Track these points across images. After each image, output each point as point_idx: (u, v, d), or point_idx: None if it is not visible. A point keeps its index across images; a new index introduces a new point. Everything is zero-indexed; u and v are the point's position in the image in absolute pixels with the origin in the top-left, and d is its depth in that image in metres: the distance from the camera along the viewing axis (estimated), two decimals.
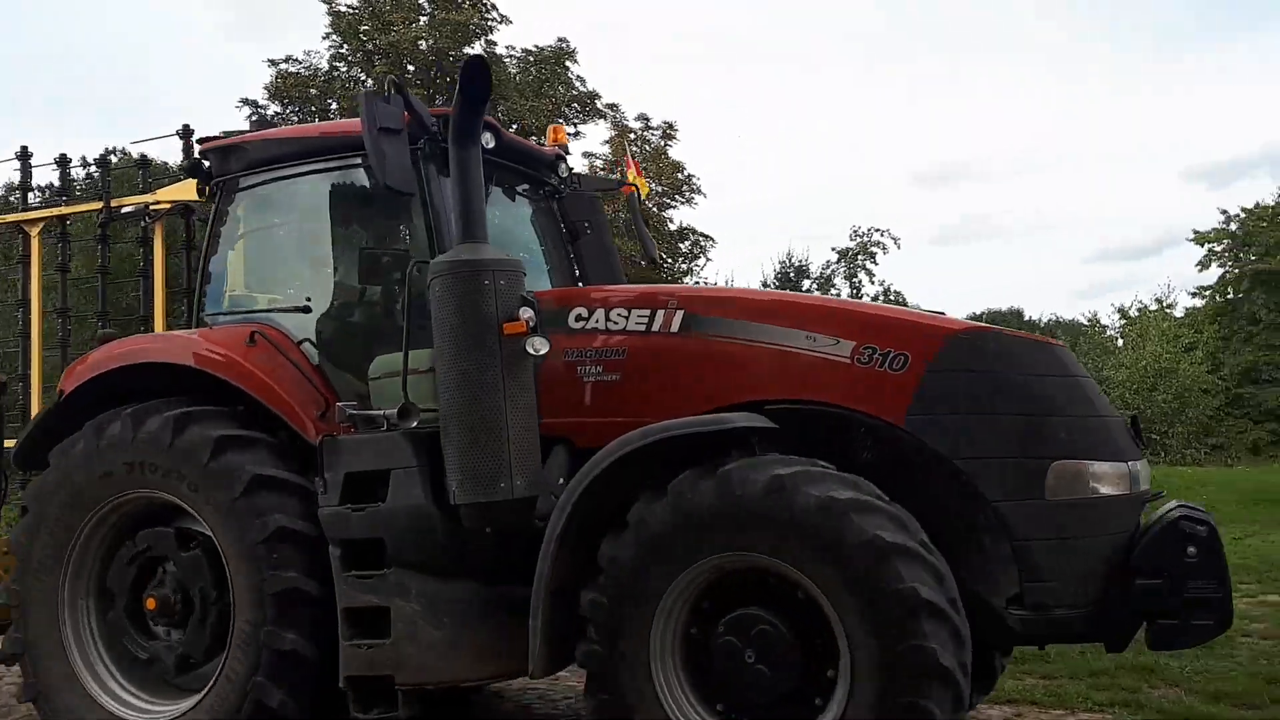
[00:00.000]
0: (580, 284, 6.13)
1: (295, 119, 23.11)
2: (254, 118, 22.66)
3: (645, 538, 4.05)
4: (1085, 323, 42.98)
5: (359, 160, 5.18)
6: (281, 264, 5.72)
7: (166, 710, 4.90)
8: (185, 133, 8.95)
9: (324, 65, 24.49)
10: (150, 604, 5.01)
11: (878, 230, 32.32)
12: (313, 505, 4.70)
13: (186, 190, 8.21)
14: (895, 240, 32.47)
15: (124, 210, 8.84)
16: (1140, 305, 37.93)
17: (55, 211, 9.08)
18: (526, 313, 4.41)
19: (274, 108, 23.92)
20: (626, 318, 4.84)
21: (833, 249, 35.00)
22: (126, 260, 11.11)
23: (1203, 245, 40.46)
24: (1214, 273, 40.38)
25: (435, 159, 5.04)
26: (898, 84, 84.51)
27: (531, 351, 4.39)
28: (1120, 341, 38.12)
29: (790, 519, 3.83)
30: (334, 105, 23.19)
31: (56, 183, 9.25)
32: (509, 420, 4.33)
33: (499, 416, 4.31)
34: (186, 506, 4.90)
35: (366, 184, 5.31)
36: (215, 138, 5.78)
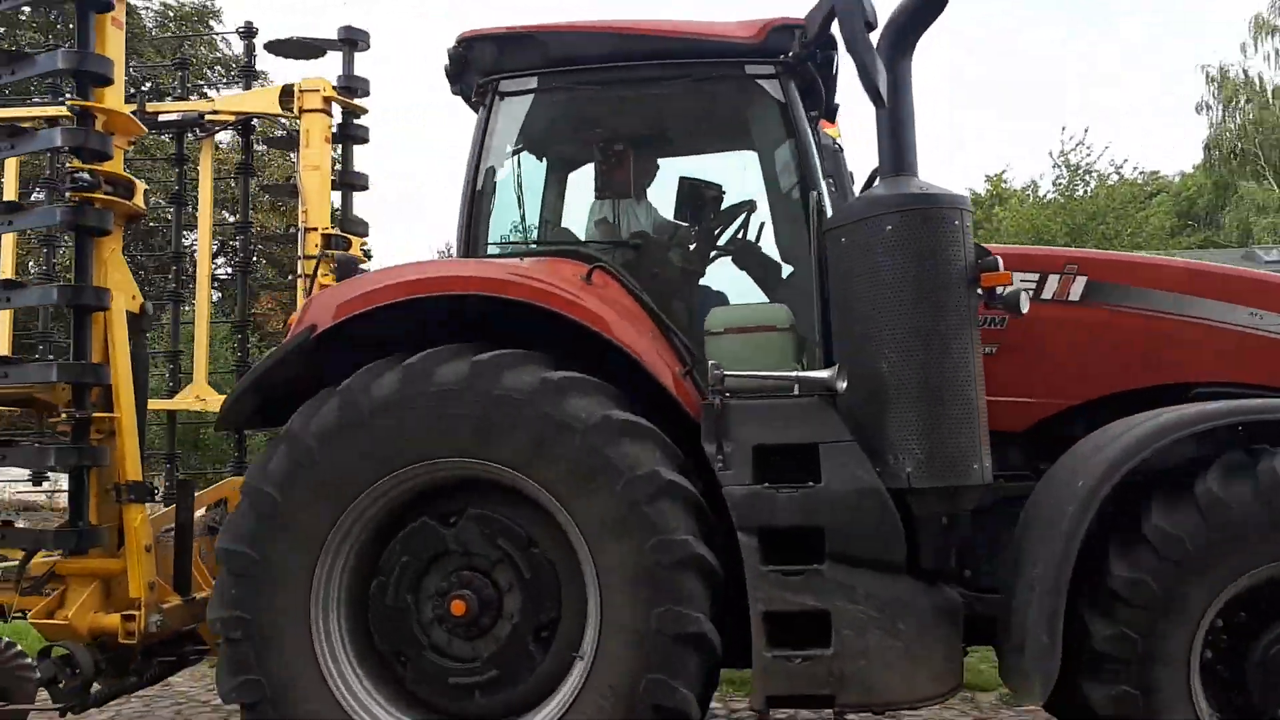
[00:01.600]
0: None
1: None
2: None
3: (1179, 556, 3.45)
4: None
5: (703, 70, 4.35)
6: (574, 188, 4.69)
7: None
8: None
9: None
10: (458, 609, 3.85)
11: None
12: (683, 462, 3.79)
13: (260, 100, 6.79)
14: None
15: (161, 118, 7.21)
16: None
17: (53, 112, 7.28)
18: (999, 261, 3.76)
19: None
20: None
21: None
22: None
23: None
24: None
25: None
26: None
27: (1022, 309, 3.74)
28: None
29: None
30: None
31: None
32: (978, 390, 3.68)
33: (972, 385, 3.66)
34: (510, 473, 3.78)
35: (705, 100, 4.46)
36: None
